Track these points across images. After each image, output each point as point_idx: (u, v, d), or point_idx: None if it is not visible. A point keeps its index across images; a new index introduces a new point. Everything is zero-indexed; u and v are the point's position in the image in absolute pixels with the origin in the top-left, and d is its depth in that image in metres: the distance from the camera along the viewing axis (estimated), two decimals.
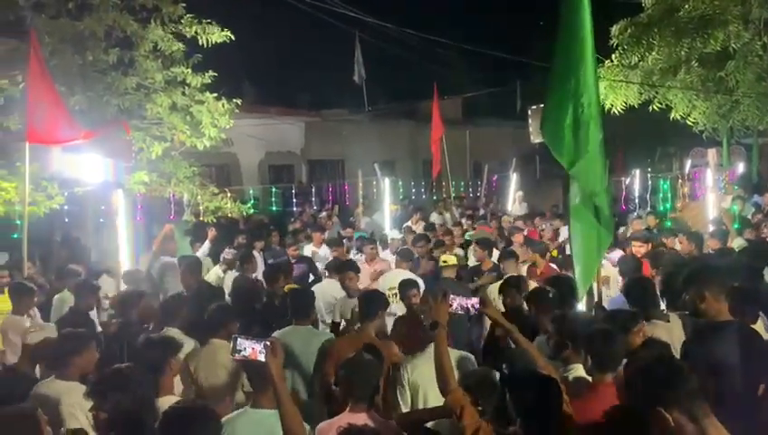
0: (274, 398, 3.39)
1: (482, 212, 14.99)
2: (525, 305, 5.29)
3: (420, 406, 4.27)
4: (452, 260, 7.28)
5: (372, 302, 5.14)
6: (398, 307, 7.01)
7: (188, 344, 4.88)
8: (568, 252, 8.87)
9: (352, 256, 9.29)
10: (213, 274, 8.01)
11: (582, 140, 4.74)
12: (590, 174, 4.81)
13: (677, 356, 3.80)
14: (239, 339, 3.18)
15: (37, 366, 4.68)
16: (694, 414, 2.44)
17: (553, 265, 8.19)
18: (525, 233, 10.39)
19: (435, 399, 4.05)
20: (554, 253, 9.18)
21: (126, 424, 3.01)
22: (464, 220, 12.86)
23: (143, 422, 3.05)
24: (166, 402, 3.70)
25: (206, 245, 9.31)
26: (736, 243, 8.41)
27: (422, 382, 4.30)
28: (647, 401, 2.55)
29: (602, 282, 5.87)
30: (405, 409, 4.32)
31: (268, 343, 3.14)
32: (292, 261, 8.78)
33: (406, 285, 6.12)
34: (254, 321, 5.67)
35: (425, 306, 4.73)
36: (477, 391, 3.43)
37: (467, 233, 11.18)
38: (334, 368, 4.69)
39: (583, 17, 4.75)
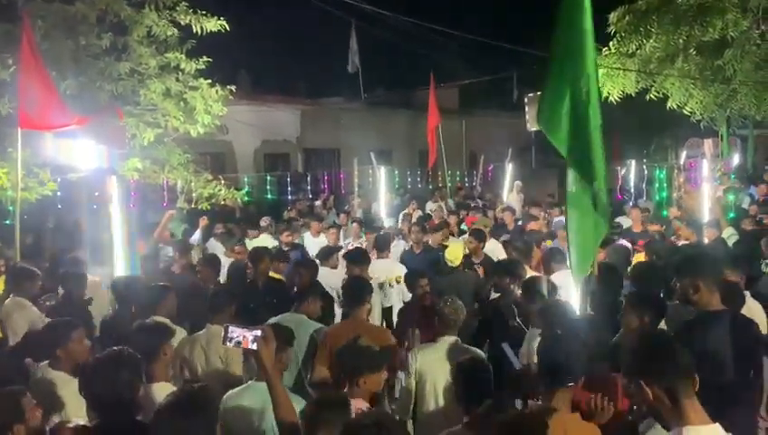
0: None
1: (480, 203, 14.94)
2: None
3: (428, 395, 4.35)
4: (457, 258, 7.16)
5: (361, 288, 5.15)
6: (378, 298, 7.03)
7: (180, 333, 4.86)
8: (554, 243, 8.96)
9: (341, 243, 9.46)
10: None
11: (581, 125, 4.65)
12: (589, 160, 4.65)
13: None
14: (230, 327, 3.14)
15: None
16: (675, 392, 2.43)
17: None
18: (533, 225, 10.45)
19: (442, 387, 4.16)
20: (549, 242, 9.15)
21: (112, 410, 2.98)
22: (462, 210, 12.82)
23: (129, 408, 3.02)
24: (159, 389, 3.69)
25: (197, 233, 9.31)
26: (726, 233, 8.44)
27: (429, 372, 4.39)
28: (632, 372, 2.56)
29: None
30: (406, 395, 4.45)
31: (259, 332, 3.11)
32: (285, 248, 8.78)
33: (415, 276, 6.17)
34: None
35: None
36: None
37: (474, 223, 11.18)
38: (328, 356, 4.69)
39: (583, 2, 4.68)
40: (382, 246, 7.83)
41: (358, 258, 6.49)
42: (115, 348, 3.22)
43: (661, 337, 2.76)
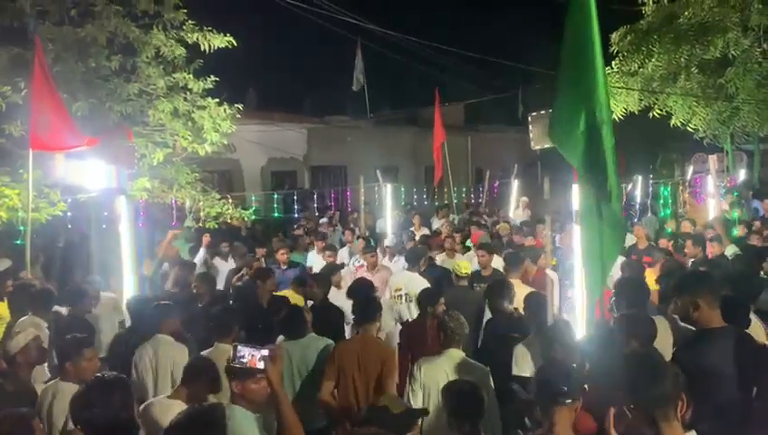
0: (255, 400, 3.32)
1: (489, 221, 14.93)
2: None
3: (432, 408, 4.37)
4: (466, 268, 7.26)
5: (370, 305, 5.20)
6: (404, 308, 7.08)
7: (182, 351, 4.93)
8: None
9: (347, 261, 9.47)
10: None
11: (596, 146, 4.55)
12: (605, 179, 4.55)
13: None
14: (239, 346, 3.18)
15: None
16: (654, 417, 2.48)
17: (548, 272, 8.20)
18: (528, 241, 10.43)
19: None
20: (553, 261, 9.14)
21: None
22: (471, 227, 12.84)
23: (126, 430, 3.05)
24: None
25: (202, 251, 9.37)
26: (729, 250, 8.42)
27: (432, 384, 4.45)
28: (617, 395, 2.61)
29: None
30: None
31: (266, 351, 3.15)
32: (283, 267, 8.80)
33: (432, 294, 6.15)
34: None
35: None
36: None
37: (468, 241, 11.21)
38: (336, 372, 4.74)
39: (590, 21, 4.66)
40: (412, 260, 7.90)
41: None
42: (100, 374, 3.25)
43: (643, 363, 2.79)
